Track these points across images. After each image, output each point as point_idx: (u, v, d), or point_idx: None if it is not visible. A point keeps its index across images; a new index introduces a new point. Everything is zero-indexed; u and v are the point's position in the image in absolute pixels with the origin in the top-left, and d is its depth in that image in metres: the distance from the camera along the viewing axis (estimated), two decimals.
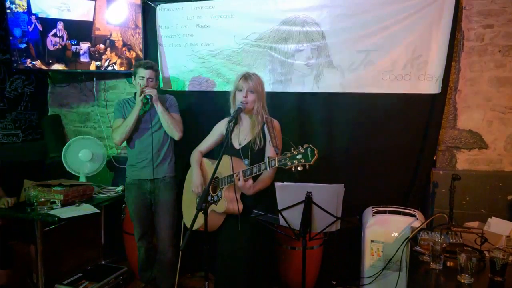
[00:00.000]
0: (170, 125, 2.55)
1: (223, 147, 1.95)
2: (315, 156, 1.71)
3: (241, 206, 2.04)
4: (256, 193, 2.03)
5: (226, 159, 2.02)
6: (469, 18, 2.58)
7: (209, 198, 2.16)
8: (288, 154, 1.76)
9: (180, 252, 2.45)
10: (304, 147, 1.74)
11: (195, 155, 2.33)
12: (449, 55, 2.54)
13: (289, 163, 1.75)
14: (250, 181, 1.96)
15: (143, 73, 2.51)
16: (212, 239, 2.12)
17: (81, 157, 3.14)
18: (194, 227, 1.73)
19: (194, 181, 2.26)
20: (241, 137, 2.16)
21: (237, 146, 2.15)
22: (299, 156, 1.73)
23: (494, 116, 2.62)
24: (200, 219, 1.82)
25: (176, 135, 2.59)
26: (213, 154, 2.45)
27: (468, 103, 2.66)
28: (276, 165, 1.79)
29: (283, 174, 1.97)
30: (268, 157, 1.85)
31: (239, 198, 2.04)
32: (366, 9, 2.62)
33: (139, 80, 2.51)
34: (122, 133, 2.53)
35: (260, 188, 2.04)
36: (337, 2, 2.68)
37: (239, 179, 1.93)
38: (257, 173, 1.92)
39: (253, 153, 2.07)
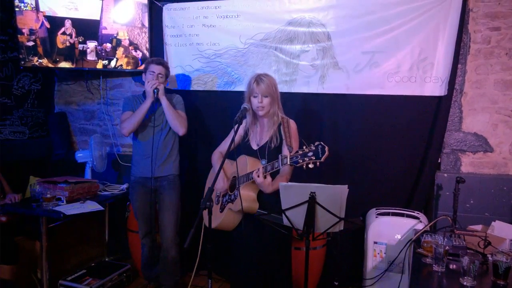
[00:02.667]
0: (175, 120, 2.56)
1: (229, 148, 1.96)
2: (326, 154, 1.72)
3: (257, 205, 2.05)
4: (274, 191, 2.02)
5: (243, 158, 2.05)
6: (476, 20, 2.57)
7: (227, 197, 2.17)
8: (300, 152, 1.78)
9: (186, 250, 2.44)
10: (315, 144, 1.76)
11: (216, 155, 2.34)
12: (455, 58, 2.53)
13: (300, 161, 1.76)
14: (269, 178, 1.96)
15: (153, 68, 2.54)
16: (215, 238, 2.12)
17: (101, 154, 3.17)
18: (212, 226, 1.78)
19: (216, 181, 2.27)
20: (258, 138, 2.17)
21: (255, 147, 2.16)
22: (310, 154, 1.75)
23: (500, 119, 2.60)
24: (217, 217, 1.84)
25: (180, 130, 2.60)
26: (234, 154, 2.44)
27: (473, 105, 2.64)
28: (288, 163, 1.81)
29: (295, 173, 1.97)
30: (280, 155, 1.86)
31: (255, 197, 2.04)
32: (372, 11, 2.62)
33: (149, 75, 2.54)
34: (132, 123, 2.54)
35: (275, 189, 2.02)
36: (343, 3, 2.68)
37: (258, 176, 1.93)
38: (271, 171, 1.93)
39: (270, 153, 2.08)
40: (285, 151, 2.04)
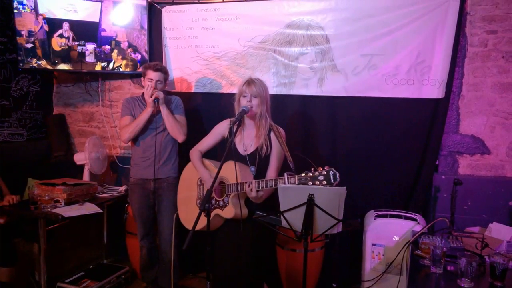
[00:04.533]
0: (174, 128, 2.57)
1: (225, 151, 1.94)
2: (337, 181, 1.72)
3: (246, 211, 2.07)
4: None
5: (231, 165, 2.02)
6: (473, 24, 2.59)
7: (214, 202, 2.17)
8: (310, 174, 1.76)
9: (173, 252, 2.44)
10: (326, 169, 1.74)
11: (196, 154, 2.31)
12: (453, 60, 2.55)
13: (310, 183, 1.75)
14: (261, 193, 1.98)
15: (152, 75, 2.52)
16: (214, 240, 2.13)
17: (98, 156, 3.17)
18: (197, 229, 1.74)
19: (203, 177, 2.25)
20: (246, 143, 2.16)
21: (242, 152, 2.15)
22: (321, 178, 1.74)
23: (497, 122, 2.62)
24: (201, 220, 1.82)
25: (180, 138, 2.60)
26: (215, 155, 2.45)
27: (471, 108, 2.66)
28: (296, 183, 1.79)
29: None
30: (286, 173, 1.85)
31: (243, 203, 2.06)
32: (370, 14, 2.64)
33: (148, 82, 2.53)
34: (131, 131, 2.55)
35: (267, 196, 2.08)
36: (341, 6, 2.69)
37: (251, 190, 1.94)
38: (272, 187, 1.91)
39: (260, 161, 2.09)
40: (278, 165, 2.05)
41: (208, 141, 2.33)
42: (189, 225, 1.84)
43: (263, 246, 2.18)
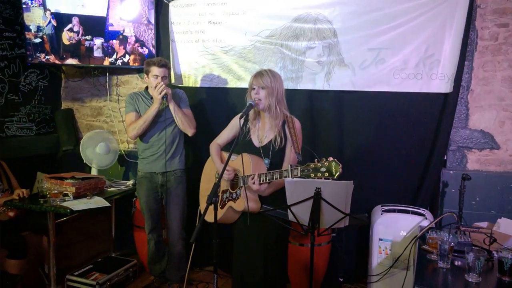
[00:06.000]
0: (184, 123, 2.58)
1: (233, 144, 1.97)
2: (340, 171, 1.71)
3: (259, 205, 2.06)
4: (271, 194, 2.06)
5: (246, 157, 2.04)
6: (483, 17, 2.55)
7: (228, 194, 2.18)
8: (312, 165, 1.76)
9: (193, 245, 2.46)
10: (328, 160, 1.74)
11: (214, 148, 2.34)
12: (462, 54, 2.52)
13: (312, 175, 1.75)
14: (264, 186, 1.98)
15: (157, 71, 2.51)
16: (222, 233, 2.14)
17: (98, 150, 3.19)
18: (209, 220, 1.77)
19: (219, 171, 2.26)
20: (261, 135, 2.16)
21: (257, 144, 2.15)
22: (323, 169, 1.74)
23: (507, 117, 2.59)
24: (218, 213, 1.84)
25: (190, 131, 2.62)
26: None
27: (480, 103, 2.63)
28: (299, 175, 1.79)
29: None
30: (290, 165, 1.85)
31: (254, 197, 2.06)
32: (378, 7, 2.61)
33: (153, 79, 2.52)
34: (138, 128, 2.55)
35: (274, 190, 2.07)
36: (349, 0, 2.66)
37: (253, 182, 1.95)
38: (277, 179, 1.92)
39: (274, 153, 2.09)
40: (292, 156, 2.04)
41: (226, 135, 2.35)
42: (207, 216, 1.88)
43: (278, 242, 2.16)
